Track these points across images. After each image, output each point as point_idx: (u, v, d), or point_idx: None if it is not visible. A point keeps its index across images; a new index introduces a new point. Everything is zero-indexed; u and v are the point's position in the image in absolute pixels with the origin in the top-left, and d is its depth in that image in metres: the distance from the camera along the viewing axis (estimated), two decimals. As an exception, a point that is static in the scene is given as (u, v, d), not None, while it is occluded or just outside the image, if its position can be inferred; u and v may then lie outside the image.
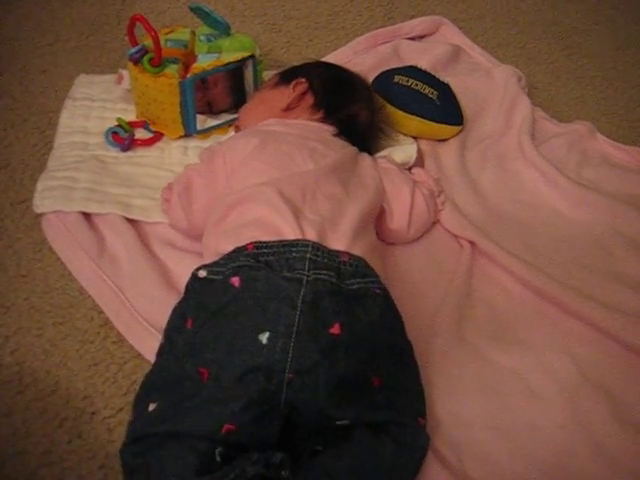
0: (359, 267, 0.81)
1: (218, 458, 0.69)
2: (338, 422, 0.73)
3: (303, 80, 1.11)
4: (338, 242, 0.83)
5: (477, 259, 1.08)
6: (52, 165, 1.12)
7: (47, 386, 0.87)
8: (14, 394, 0.86)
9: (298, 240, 0.80)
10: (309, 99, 1.09)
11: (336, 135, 1.05)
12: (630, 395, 0.91)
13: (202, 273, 0.81)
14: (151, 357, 0.88)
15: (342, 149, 1.01)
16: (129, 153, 1.16)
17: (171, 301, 0.92)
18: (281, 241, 0.80)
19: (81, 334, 0.93)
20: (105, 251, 1.01)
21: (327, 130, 1.06)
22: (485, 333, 0.97)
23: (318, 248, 0.80)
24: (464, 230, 1.09)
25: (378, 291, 0.80)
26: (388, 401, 0.77)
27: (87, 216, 1.05)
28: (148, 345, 0.91)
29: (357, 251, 0.84)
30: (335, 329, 0.74)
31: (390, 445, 0.74)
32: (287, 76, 1.14)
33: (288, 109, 1.09)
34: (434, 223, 1.13)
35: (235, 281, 0.76)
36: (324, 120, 1.08)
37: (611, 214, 1.17)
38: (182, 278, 0.97)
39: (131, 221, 1.05)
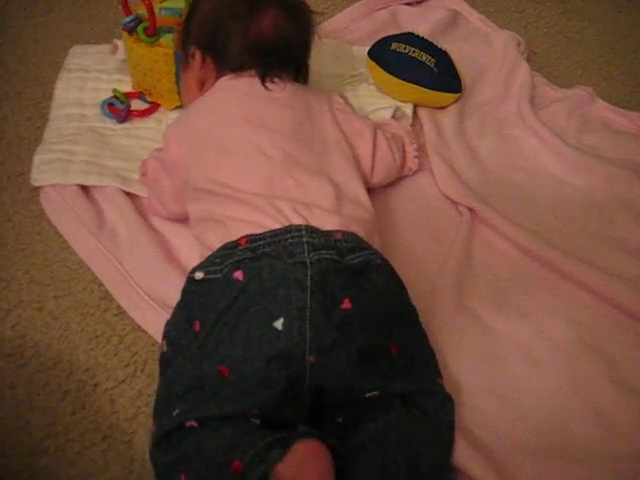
0: (354, 242, 0.80)
1: (257, 421, 0.69)
2: (368, 394, 0.74)
3: (193, 48, 1.00)
4: (326, 222, 0.81)
5: (476, 226, 1.07)
6: (48, 137, 1.11)
7: (49, 359, 0.88)
8: (16, 367, 0.87)
9: (290, 226, 0.79)
10: (210, 63, 0.99)
11: (264, 78, 0.95)
12: (629, 360, 0.92)
13: (199, 275, 0.78)
14: (151, 330, 0.90)
15: (291, 102, 0.94)
16: (126, 125, 1.15)
17: (171, 274, 0.93)
18: (273, 231, 0.79)
19: (82, 307, 0.94)
20: (104, 224, 1.01)
21: (253, 77, 0.95)
22: (485, 300, 0.97)
23: (312, 230, 0.79)
24: (463, 197, 1.09)
25: (379, 262, 0.80)
26: (409, 368, 0.78)
27: (85, 189, 1.05)
28: (148, 318, 0.91)
29: (351, 228, 0.82)
30: (346, 304, 0.74)
31: (423, 418, 0.75)
32: (184, 49, 1.03)
33: (201, 85, 1.01)
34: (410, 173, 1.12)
35: (238, 275, 0.75)
36: (240, 72, 0.96)
37: (611, 180, 1.17)
38: (181, 250, 0.99)
39: (129, 194, 1.04)
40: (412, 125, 1.20)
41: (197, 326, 0.76)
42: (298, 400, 0.72)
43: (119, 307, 0.93)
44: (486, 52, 1.41)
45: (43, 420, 0.82)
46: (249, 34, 0.96)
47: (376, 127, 1.05)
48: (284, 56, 0.98)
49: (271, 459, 0.63)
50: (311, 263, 0.75)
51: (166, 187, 0.96)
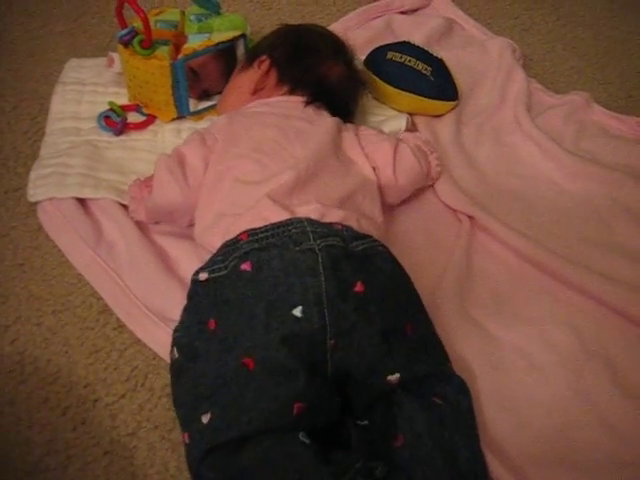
0: (353, 232, 0.82)
1: (306, 440, 0.69)
2: (390, 377, 0.75)
3: (264, 57, 1.10)
4: (329, 217, 0.84)
5: (476, 234, 1.07)
6: (45, 153, 1.11)
7: (49, 375, 0.87)
8: (16, 384, 0.86)
9: (291, 219, 0.81)
10: (273, 75, 1.08)
11: (310, 103, 1.04)
12: (631, 365, 0.92)
13: (203, 275, 0.79)
14: (151, 343, 0.90)
15: (326, 124, 0.99)
16: (122, 137, 1.15)
17: (170, 286, 0.92)
18: (274, 224, 0.80)
19: (81, 321, 0.93)
20: (102, 237, 1.01)
21: (302, 102, 1.04)
22: (486, 308, 0.97)
23: (313, 222, 0.81)
24: (463, 205, 1.09)
25: (381, 248, 0.83)
26: (423, 349, 0.79)
27: (83, 203, 1.04)
28: (148, 331, 0.91)
29: (349, 222, 0.84)
30: (359, 287, 0.76)
31: (446, 407, 0.76)
32: (251, 56, 1.13)
33: (256, 91, 1.08)
34: (429, 187, 1.13)
35: (247, 266, 0.76)
36: (294, 92, 1.06)
37: (609, 185, 1.17)
38: (181, 263, 0.98)
39: (126, 207, 1.04)
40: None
41: (212, 325, 0.76)
42: (328, 386, 0.73)
43: (118, 321, 0.93)
44: (482, 59, 1.41)
45: (43, 437, 0.81)
46: (319, 71, 1.08)
47: (399, 140, 1.07)
48: (335, 97, 1.08)
49: None
50: (319, 250, 0.76)
51: (196, 171, 0.94)
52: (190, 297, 0.81)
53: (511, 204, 1.13)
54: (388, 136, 1.09)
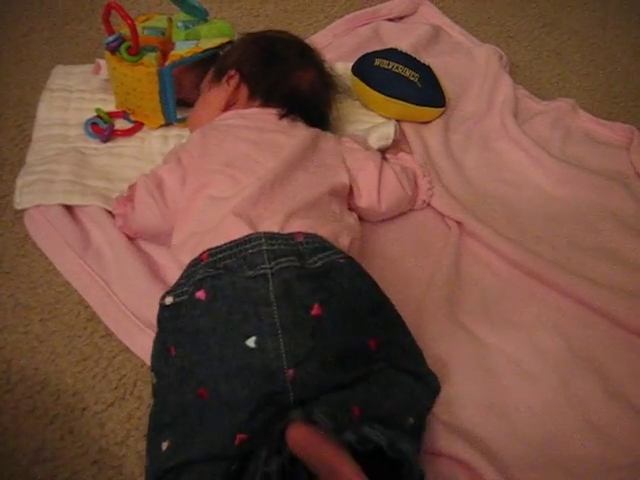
0: (316, 242, 0.80)
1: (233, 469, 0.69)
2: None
3: (233, 72, 1.07)
4: (292, 225, 0.82)
5: (465, 240, 1.08)
6: (31, 160, 1.10)
7: (36, 383, 0.86)
8: (2, 393, 0.85)
9: (250, 235, 0.79)
10: (244, 90, 1.06)
11: (285, 116, 1.03)
12: (620, 371, 0.92)
13: (169, 300, 0.78)
14: (139, 352, 0.89)
15: (301, 134, 0.99)
16: (109, 144, 1.15)
17: (157, 294, 0.90)
18: (233, 241, 0.79)
19: (68, 329, 0.93)
20: (90, 245, 1.00)
21: (275, 114, 1.03)
22: (475, 314, 0.97)
23: (271, 237, 0.79)
24: (451, 210, 1.09)
25: (342, 260, 0.79)
26: (391, 358, 0.78)
27: (70, 210, 1.04)
28: (136, 339, 0.90)
29: (311, 230, 0.82)
30: (316, 310, 0.73)
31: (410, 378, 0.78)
32: (219, 70, 1.10)
33: (227, 107, 1.06)
34: (424, 206, 1.12)
35: (201, 295, 0.75)
36: (267, 105, 1.04)
37: (596, 191, 1.17)
38: (168, 270, 0.98)
39: (113, 214, 1.03)
40: (398, 138, 1.20)
41: (172, 351, 0.75)
42: (280, 415, 0.70)
43: (106, 329, 0.92)
44: (469, 66, 1.42)
45: (31, 446, 0.80)
46: (290, 82, 1.07)
47: (383, 161, 1.07)
48: (309, 107, 1.07)
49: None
50: (272, 274, 0.75)
51: (174, 194, 0.94)
52: (158, 322, 0.80)
53: (499, 210, 1.14)
54: (373, 154, 1.07)
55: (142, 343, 0.89)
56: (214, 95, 1.09)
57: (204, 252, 0.79)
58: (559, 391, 0.88)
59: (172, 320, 0.77)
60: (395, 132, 1.19)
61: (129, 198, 0.98)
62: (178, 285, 0.79)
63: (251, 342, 0.71)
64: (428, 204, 1.12)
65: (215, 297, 0.74)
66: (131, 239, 1.01)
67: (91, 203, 1.03)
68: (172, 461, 0.69)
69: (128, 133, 1.16)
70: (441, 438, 0.81)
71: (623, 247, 1.09)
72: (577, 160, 1.25)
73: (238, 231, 0.80)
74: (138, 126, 1.17)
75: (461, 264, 1.04)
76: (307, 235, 0.81)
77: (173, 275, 0.94)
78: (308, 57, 1.12)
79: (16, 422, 0.83)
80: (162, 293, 0.79)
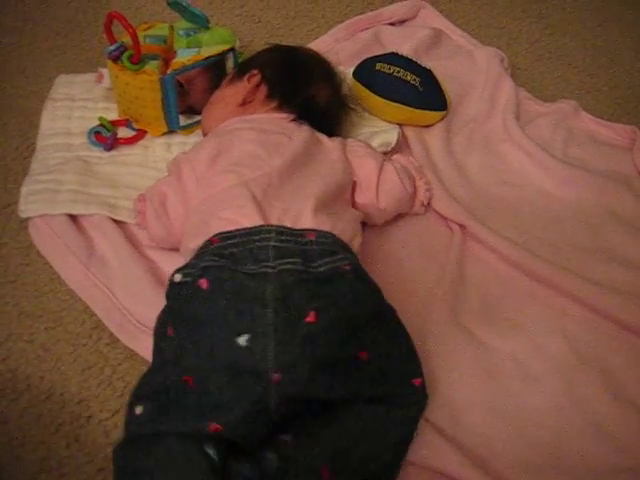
0: (326, 244, 0.80)
1: (210, 451, 0.68)
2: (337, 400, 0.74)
3: (256, 71, 1.10)
4: (303, 221, 0.83)
5: (468, 243, 1.08)
6: (35, 168, 1.11)
7: (41, 392, 0.87)
8: (8, 402, 0.86)
9: (261, 226, 0.80)
10: (263, 90, 1.08)
11: (294, 120, 1.04)
12: (624, 372, 0.92)
13: (177, 277, 0.79)
14: (146, 355, 0.89)
15: (303, 133, 1.00)
16: (113, 152, 1.15)
17: (163, 300, 0.91)
18: (244, 229, 0.80)
19: (73, 338, 0.93)
20: (94, 253, 1.01)
21: (285, 118, 1.05)
22: (478, 317, 0.97)
23: (282, 232, 0.80)
24: (454, 213, 1.09)
25: (347, 267, 0.79)
26: (379, 371, 0.77)
27: (74, 219, 1.04)
28: (142, 343, 0.90)
29: (325, 227, 0.83)
30: (311, 317, 0.73)
31: (381, 408, 0.76)
32: (242, 69, 1.13)
33: (244, 103, 1.08)
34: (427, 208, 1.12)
35: (203, 283, 0.75)
36: (281, 108, 1.07)
37: (599, 192, 1.17)
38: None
39: (118, 222, 1.04)
40: (399, 145, 1.21)
41: (170, 332, 0.76)
42: (262, 415, 0.70)
43: (111, 337, 0.93)
44: (470, 69, 1.42)
45: (36, 454, 0.81)
46: (309, 92, 1.09)
47: (384, 158, 1.08)
48: (321, 119, 1.09)
49: None
50: (273, 275, 0.75)
51: (175, 209, 0.95)
52: (166, 297, 0.81)
53: (502, 212, 1.14)
54: (374, 152, 1.09)
55: (148, 345, 0.88)
56: (232, 90, 1.11)
57: (216, 235, 0.80)
58: (563, 393, 0.88)
59: (176, 299, 0.79)
60: (397, 140, 1.19)
61: (141, 212, 1.00)
62: (189, 265, 0.80)
63: (242, 340, 0.71)
64: (428, 207, 1.12)
65: (215, 289, 0.75)
66: (135, 246, 1.01)
67: (95, 212, 1.04)
68: (144, 429, 0.70)
69: (131, 141, 1.17)
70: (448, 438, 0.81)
71: (627, 248, 1.09)
72: (580, 161, 1.25)
73: (249, 220, 0.81)
74: (141, 134, 1.18)
75: (464, 267, 1.04)
76: (320, 234, 0.81)
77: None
78: (330, 75, 1.15)
79: (22, 431, 0.83)
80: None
